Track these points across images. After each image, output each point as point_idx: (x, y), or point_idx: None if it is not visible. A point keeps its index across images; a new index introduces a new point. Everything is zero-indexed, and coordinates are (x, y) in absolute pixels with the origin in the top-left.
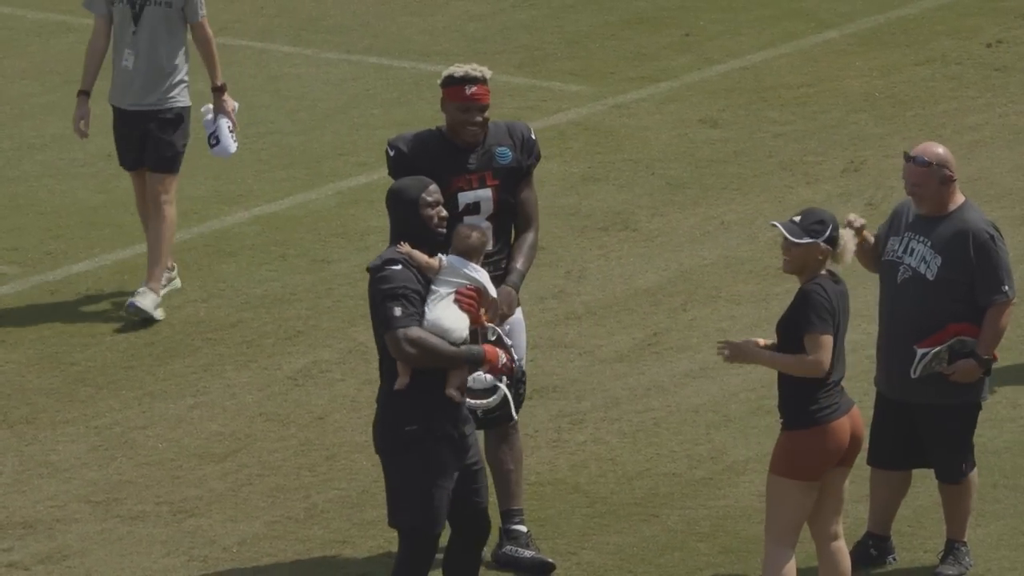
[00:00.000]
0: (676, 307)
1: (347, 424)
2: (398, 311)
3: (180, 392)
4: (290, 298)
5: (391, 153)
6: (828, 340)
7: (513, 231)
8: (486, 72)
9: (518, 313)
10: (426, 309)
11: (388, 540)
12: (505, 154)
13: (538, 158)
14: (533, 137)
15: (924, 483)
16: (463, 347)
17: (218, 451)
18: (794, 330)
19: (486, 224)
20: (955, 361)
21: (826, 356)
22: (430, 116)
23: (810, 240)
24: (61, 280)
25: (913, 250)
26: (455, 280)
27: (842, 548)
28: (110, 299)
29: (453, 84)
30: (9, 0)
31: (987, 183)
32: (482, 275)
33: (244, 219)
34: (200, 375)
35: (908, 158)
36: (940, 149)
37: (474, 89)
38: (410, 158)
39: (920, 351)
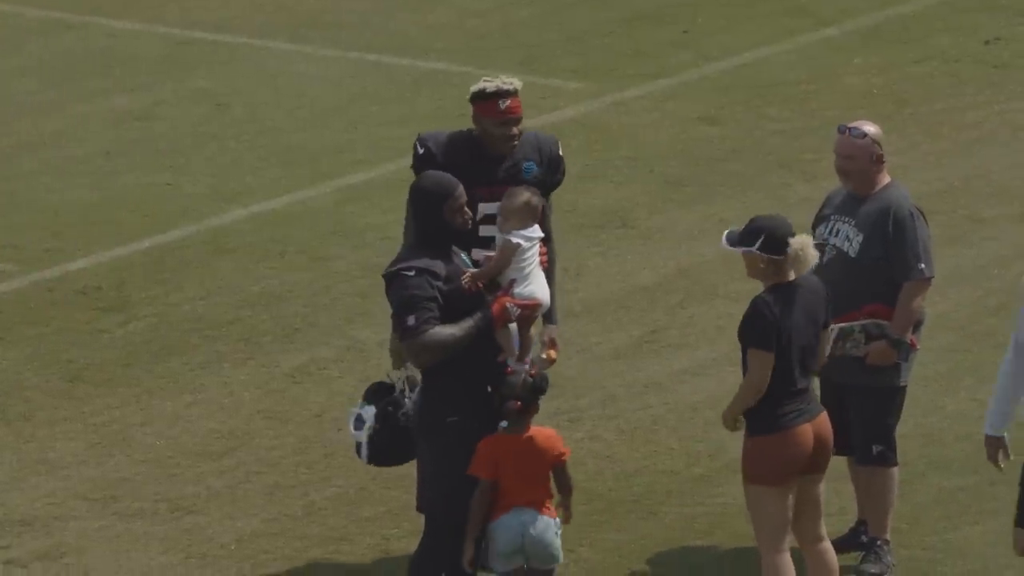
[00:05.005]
0: (674, 304)
1: (345, 422)
2: (411, 320)
3: (178, 390)
4: (288, 296)
5: (420, 151)
6: (766, 357)
7: None
8: (517, 84)
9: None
10: (521, 289)
11: (386, 538)
12: (531, 168)
13: (563, 175)
14: (560, 153)
15: (923, 480)
16: (471, 320)
17: (216, 448)
18: (741, 341)
19: None
20: (871, 343)
21: (762, 375)
22: (429, 113)
23: (744, 248)
24: (59, 278)
25: (838, 231)
26: (532, 249)
27: (828, 549)
28: (108, 297)
29: (486, 99)
30: None
31: (986, 181)
32: (536, 230)
33: (242, 216)
34: (198, 373)
35: (843, 130)
36: (873, 127)
37: (508, 103)
38: (439, 159)
39: (834, 327)
